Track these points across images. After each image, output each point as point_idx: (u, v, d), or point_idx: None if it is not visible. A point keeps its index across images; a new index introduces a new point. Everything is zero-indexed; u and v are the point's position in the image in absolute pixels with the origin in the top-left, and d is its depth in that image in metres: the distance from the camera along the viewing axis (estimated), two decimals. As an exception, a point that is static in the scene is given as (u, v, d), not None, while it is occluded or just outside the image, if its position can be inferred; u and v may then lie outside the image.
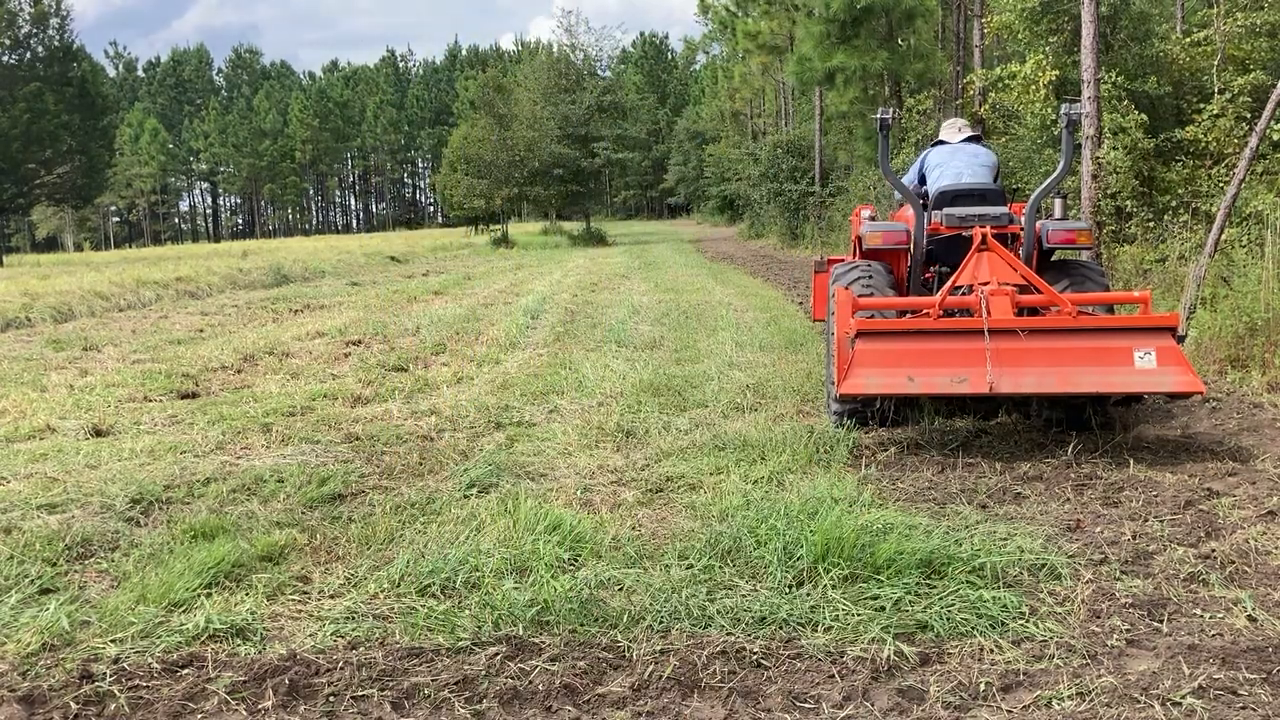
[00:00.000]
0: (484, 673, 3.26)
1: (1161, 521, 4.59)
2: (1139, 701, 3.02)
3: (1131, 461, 5.51)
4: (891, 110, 6.71)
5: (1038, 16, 15.19)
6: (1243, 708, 2.98)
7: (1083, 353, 5.54)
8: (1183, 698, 3.02)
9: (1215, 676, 3.13)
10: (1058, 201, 7.01)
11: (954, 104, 22.25)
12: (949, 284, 6.19)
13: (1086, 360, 5.52)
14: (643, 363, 9.15)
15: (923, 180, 7.21)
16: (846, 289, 6.13)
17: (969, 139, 7.30)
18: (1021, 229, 6.51)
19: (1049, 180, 6.63)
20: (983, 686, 3.12)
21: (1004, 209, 6.59)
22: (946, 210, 6.57)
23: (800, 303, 13.94)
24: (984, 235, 6.26)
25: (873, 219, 7.55)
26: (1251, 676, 3.13)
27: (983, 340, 5.52)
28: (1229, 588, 3.82)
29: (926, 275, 6.89)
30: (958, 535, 4.29)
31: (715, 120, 62.45)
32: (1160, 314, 5.88)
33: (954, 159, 7.03)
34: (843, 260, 8.69)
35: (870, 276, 6.66)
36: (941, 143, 7.30)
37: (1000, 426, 6.39)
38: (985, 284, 5.99)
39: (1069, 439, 5.91)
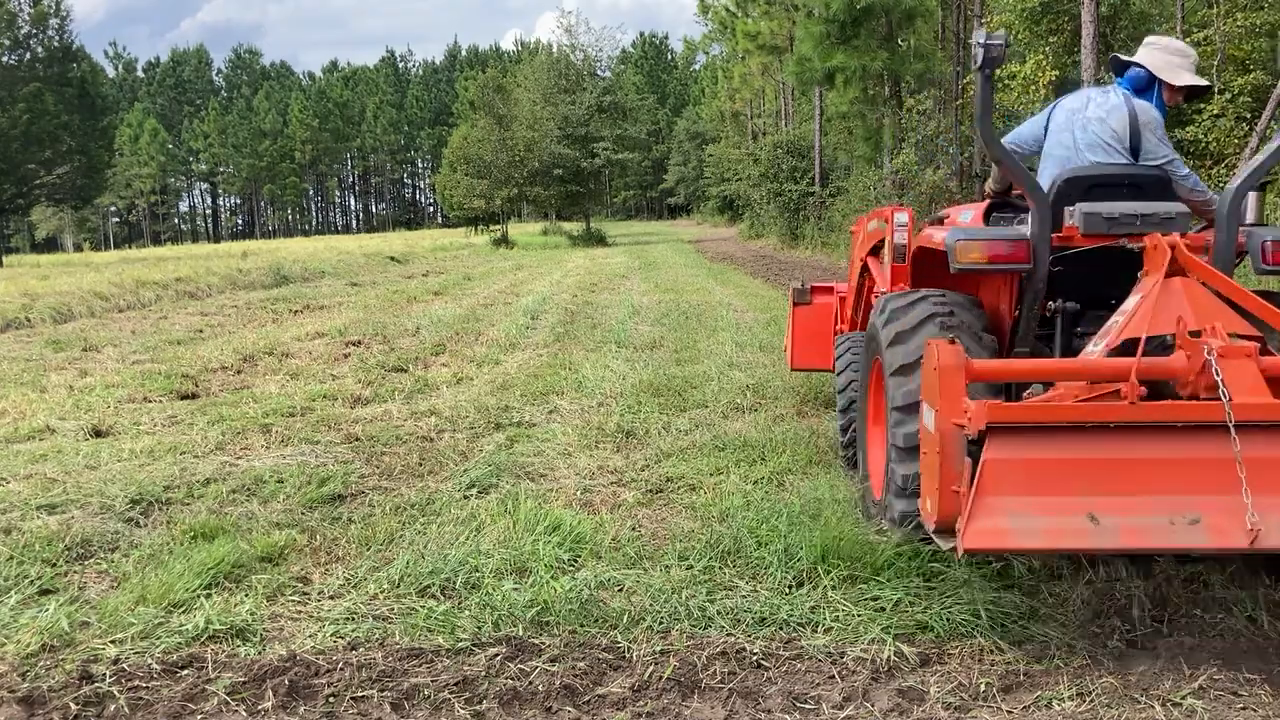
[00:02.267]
0: (484, 673, 3.26)
1: (1162, 522, 4.58)
2: (1139, 702, 3.01)
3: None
4: (1002, 35, 3.93)
5: (1038, 16, 15.22)
6: (1243, 708, 2.98)
7: None
8: (1183, 698, 3.02)
9: (1215, 677, 3.13)
10: (1252, 196, 4.19)
11: (954, 104, 22.26)
12: (1119, 329, 3.63)
13: None
14: (643, 363, 9.15)
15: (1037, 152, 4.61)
16: (951, 344, 3.28)
17: (1130, 86, 4.48)
18: (1208, 241, 4.06)
19: (1265, 157, 4.09)
20: (983, 687, 3.12)
21: (1178, 206, 4.07)
22: (1085, 208, 3.99)
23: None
24: (1171, 248, 3.71)
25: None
26: (1251, 676, 3.13)
27: (1226, 441, 3.06)
28: (1229, 588, 3.82)
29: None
30: (958, 536, 4.28)
31: (715, 120, 62.49)
32: None
33: (1072, 121, 4.39)
34: (831, 289, 6.92)
35: (952, 316, 4.13)
36: (1108, 80, 4.73)
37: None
38: (1196, 334, 3.41)
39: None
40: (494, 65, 65.06)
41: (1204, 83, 4.39)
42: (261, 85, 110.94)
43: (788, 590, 3.83)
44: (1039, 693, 3.09)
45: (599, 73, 49.41)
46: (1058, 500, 3.08)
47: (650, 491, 5.25)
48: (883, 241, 5.42)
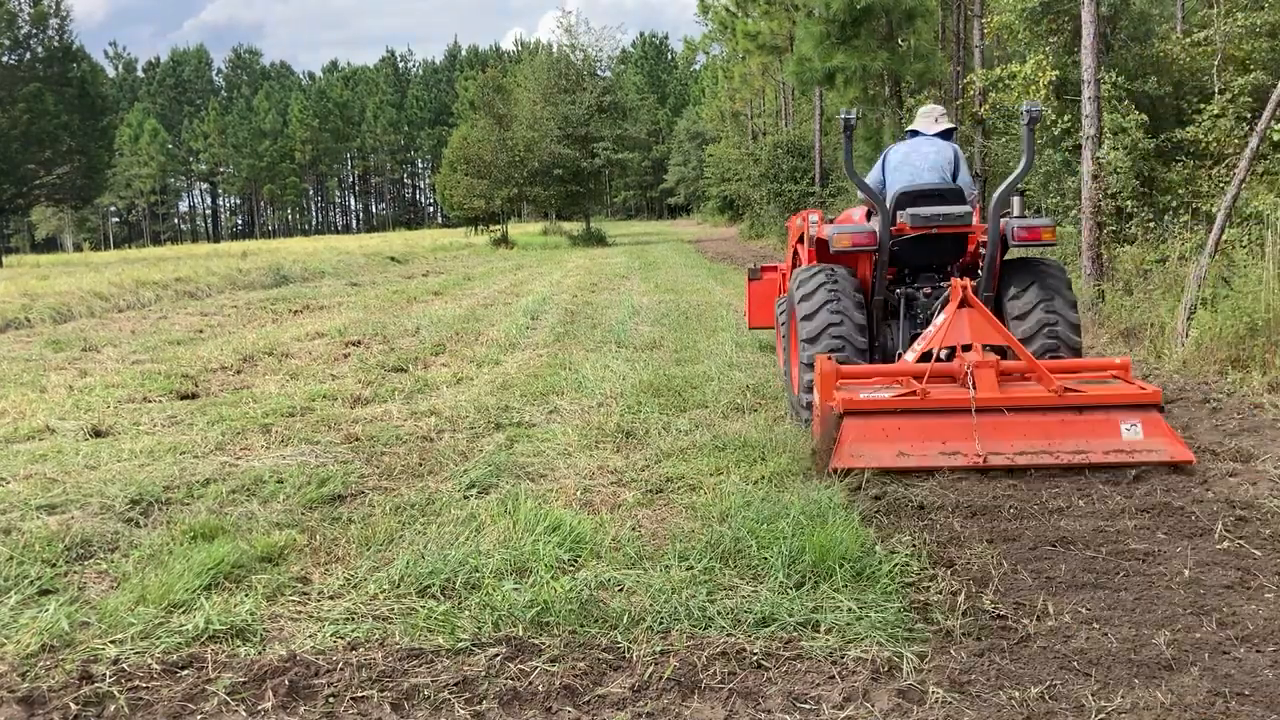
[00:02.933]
0: (484, 674, 3.26)
1: (1162, 522, 4.58)
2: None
3: (1132, 462, 5.49)
4: (855, 111, 6.70)
5: (1038, 16, 15.18)
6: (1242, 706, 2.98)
7: (1070, 425, 5.43)
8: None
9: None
10: (1015, 199, 6.70)
11: (954, 104, 22.26)
12: (928, 342, 5.97)
13: (1075, 433, 5.40)
14: (643, 363, 9.15)
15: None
16: (828, 359, 5.68)
17: (940, 133, 7.09)
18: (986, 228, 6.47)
19: (1012, 177, 6.57)
20: (983, 687, 3.12)
21: (966, 208, 6.43)
22: (911, 211, 6.36)
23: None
24: (964, 290, 5.96)
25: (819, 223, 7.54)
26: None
27: (970, 416, 5.43)
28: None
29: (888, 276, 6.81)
30: (958, 536, 4.28)
31: (715, 120, 62.41)
32: (1144, 390, 5.56)
33: (910, 157, 6.91)
34: (775, 268, 9.29)
35: (835, 282, 6.51)
36: (914, 133, 7.14)
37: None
38: (968, 348, 5.80)
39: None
40: (494, 65, 64.94)
41: (951, 125, 7.14)
42: (261, 85, 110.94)
43: (788, 591, 3.82)
44: (1039, 693, 3.09)
45: (599, 72, 49.32)
46: (882, 444, 5.42)
47: (650, 492, 5.25)
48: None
